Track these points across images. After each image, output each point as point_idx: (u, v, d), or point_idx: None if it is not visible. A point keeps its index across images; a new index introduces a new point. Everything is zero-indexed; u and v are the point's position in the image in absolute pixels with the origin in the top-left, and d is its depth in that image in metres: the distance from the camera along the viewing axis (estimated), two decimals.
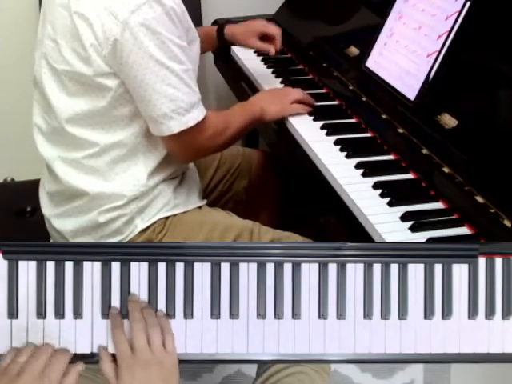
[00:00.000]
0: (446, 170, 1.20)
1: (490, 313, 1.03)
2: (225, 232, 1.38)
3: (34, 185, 1.49)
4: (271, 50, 1.69)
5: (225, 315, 1.01)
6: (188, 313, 1.01)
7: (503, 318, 1.03)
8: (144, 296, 1.01)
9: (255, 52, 1.94)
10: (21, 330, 0.99)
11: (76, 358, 0.98)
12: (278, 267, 1.02)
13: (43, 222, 1.45)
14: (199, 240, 1.35)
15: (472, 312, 1.03)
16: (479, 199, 1.11)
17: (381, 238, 1.09)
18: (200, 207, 1.43)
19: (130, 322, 0.97)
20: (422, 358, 1.03)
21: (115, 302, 1.00)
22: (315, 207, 1.41)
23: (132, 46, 1.18)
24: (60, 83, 1.27)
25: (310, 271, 1.02)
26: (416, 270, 1.03)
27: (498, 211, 1.07)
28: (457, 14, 1.27)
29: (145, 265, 1.01)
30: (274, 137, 1.62)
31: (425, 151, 1.25)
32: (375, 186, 1.23)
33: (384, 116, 1.41)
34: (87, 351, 0.99)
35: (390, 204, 1.17)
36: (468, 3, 1.25)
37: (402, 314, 1.02)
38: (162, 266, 1.01)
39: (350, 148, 1.35)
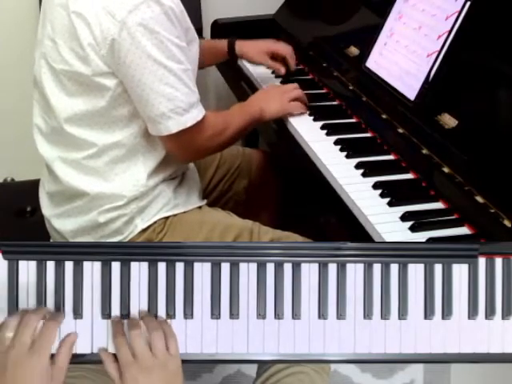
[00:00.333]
0: (446, 169, 1.20)
1: (490, 313, 1.03)
2: (225, 232, 1.38)
3: (34, 185, 1.49)
4: (281, 69, 1.71)
5: (225, 315, 1.01)
6: (188, 313, 1.01)
7: (503, 318, 1.03)
8: (144, 296, 1.01)
9: None
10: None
11: (76, 357, 0.98)
12: (278, 267, 1.02)
13: (43, 222, 1.45)
14: (199, 240, 1.35)
15: (472, 312, 1.03)
16: (479, 199, 1.11)
17: (381, 238, 1.09)
18: (200, 207, 1.43)
19: (128, 329, 0.96)
20: (422, 357, 1.03)
21: (115, 301, 1.00)
22: (315, 207, 1.41)
23: (130, 46, 1.17)
24: (59, 83, 1.27)
25: (310, 271, 1.02)
26: (416, 270, 1.03)
27: (498, 211, 1.07)
28: (457, 14, 1.27)
29: (145, 265, 1.01)
30: (273, 137, 1.62)
31: (425, 151, 1.25)
32: (375, 186, 1.23)
33: (384, 116, 1.41)
34: (87, 351, 0.99)
35: (390, 204, 1.18)
36: (468, 3, 1.25)
37: (402, 313, 1.02)
38: (162, 266, 1.01)
39: (349, 148, 1.35)
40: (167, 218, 1.36)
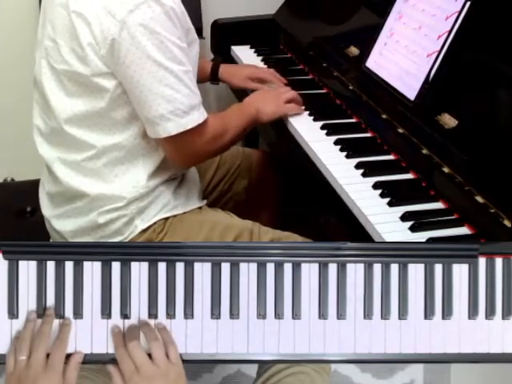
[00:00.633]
0: (446, 169, 1.20)
1: (490, 313, 1.03)
2: (225, 232, 1.38)
3: (34, 185, 1.49)
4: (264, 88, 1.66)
5: (225, 315, 1.01)
6: (188, 313, 1.01)
7: (503, 318, 1.03)
8: (144, 296, 1.01)
9: (255, 52, 1.94)
10: (21, 330, 0.99)
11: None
12: (278, 267, 1.02)
13: (43, 222, 1.45)
14: (199, 240, 1.35)
15: (472, 312, 1.03)
16: (479, 199, 1.11)
17: (381, 238, 1.09)
18: (200, 208, 1.43)
19: (126, 343, 0.97)
20: (422, 357, 1.03)
21: (115, 301, 1.01)
22: (315, 207, 1.41)
23: (129, 46, 1.17)
24: (59, 83, 1.27)
25: (310, 271, 1.02)
26: (416, 270, 1.03)
27: (498, 211, 1.07)
28: (457, 14, 1.27)
29: (145, 265, 1.01)
30: (274, 137, 1.62)
31: (425, 151, 1.25)
32: (375, 186, 1.23)
33: (384, 116, 1.41)
34: (87, 351, 0.99)
35: (390, 204, 1.18)
36: (468, 3, 1.25)
37: (402, 313, 1.02)
38: (162, 266, 1.01)
39: (349, 148, 1.35)
40: (167, 218, 1.36)
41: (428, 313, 1.02)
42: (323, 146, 1.38)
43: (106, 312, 1.00)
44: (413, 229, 1.11)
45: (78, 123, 1.27)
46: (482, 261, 1.04)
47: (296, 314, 1.01)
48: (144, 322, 1.00)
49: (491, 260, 1.04)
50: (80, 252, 1.01)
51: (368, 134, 1.44)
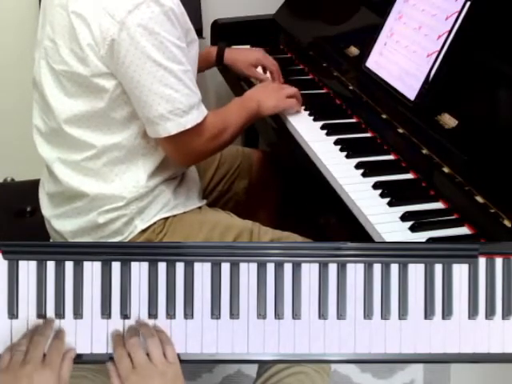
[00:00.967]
0: (446, 170, 1.20)
1: (490, 313, 1.03)
2: (225, 232, 1.38)
3: (34, 185, 1.49)
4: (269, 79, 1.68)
5: (225, 315, 1.01)
6: (188, 313, 1.01)
7: (503, 318, 1.03)
8: (144, 296, 1.01)
9: None
10: (21, 329, 0.99)
11: (76, 357, 0.99)
12: (278, 267, 1.02)
13: (43, 222, 1.45)
14: (199, 240, 1.35)
15: (472, 312, 1.03)
16: (479, 199, 1.11)
17: (381, 238, 1.09)
18: (200, 207, 1.43)
19: (125, 341, 0.97)
20: (422, 357, 1.03)
21: (115, 301, 1.01)
22: (315, 207, 1.41)
23: (129, 46, 1.17)
24: (59, 84, 1.27)
25: (310, 271, 1.02)
26: (416, 270, 1.03)
27: (498, 211, 1.07)
28: (457, 14, 1.27)
29: (145, 265, 1.01)
30: (274, 137, 1.62)
31: (425, 151, 1.25)
32: (375, 186, 1.23)
33: (384, 116, 1.41)
34: (87, 351, 0.99)
35: (390, 204, 1.18)
36: (468, 3, 1.25)
37: (402, 314, 1.02)
38: (162, 266, 1.01)
39: (350, 148, 1.35)
40: (167, 218, 1.36)
41: (428, 313, 1.02)
42: (323, 145, 1.38)
43: (106, 312, 1.00)
44: (413, 229, 1.11)
45: (77, 123, 1.27)
46: (481, 261, 1.04)
47: (296, 314, 1.01)
48: (141, 321, 1.00)
49: (491, 260, 1.04)
50: (80, 252, 1.01)
51: (368, 134, 1.44)
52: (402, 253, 1.03)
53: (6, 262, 1.00)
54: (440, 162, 1.21)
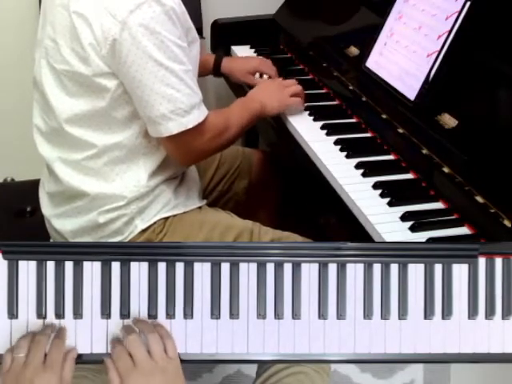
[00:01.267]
0: (446, 170, 1.20)
1: (490, 313, 1.03)
2: (225, 232, 1.38)
3: (34, 185, 1.49)
4: None
5: (225, 315, 1.01)
6: (188, 313, 1.01)
7: (503, 318, 1.03)
8: (144, 296, 1.01)
9: (255, 52, 1.94)
10: (21, 329, 0.99)
11: (76, 358, 0.98)
12: (278, 267, 1.02)
13: (43, 222, 1.45)
14: (199, 240, 1.35)
15: (472, 312, 1.03)
16: (479, 199, 1.11)
17: (381, 238, 1.10)
18: (200, 207, 1.43)
19: (124, 337, 0.96)
20: (422, 357, 1.03)
21: (115, 301, 1.00)
22: (315, 207, 1.41)
23: (130, 46, 1.17)
24: (60, 83, 1.27)
25: (310, 271, 1.02)
26: (416, 270, 1.03)
27: (498, 211, 1.07)
28: (457, 14, 1.27)
29: (145, 265, 1.01)
30: (273, 137, 1.62)
31: (425, 151, 1.25)
32: (375, 186, 1.23)
33: (384, 116, 1.41)
34: (87, 351, 0.99)
35: (390, 204, 1.18)
36: (468, 3, 1.25)
37: (402, 314, 1.02)
38: (162, 266, 1.01)
39: (350, 148, 1.35)
40: (167, 218, 1.36)
41: (428, 313, 1.02)
42: (323, 145, 1.38)
43: (106, 312, 1.00)
44: (413, 229, 1.11)
45: (78, 123, 1.27)
46: (481, 261, 1.04)
47: (296, 314, 1.01)
48: (139, 318, 1.00)
49: (491, 260, 1.04)
50: (80, 252, 1.01)
51: (368, 134, 1.44)
52: (402, 253, 1.03)
53: (5, 262, 1.00)
54: (440, 161, 1.21)
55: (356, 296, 1.02)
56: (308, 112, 1.53)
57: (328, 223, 1.32)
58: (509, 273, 1.04)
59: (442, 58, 1.28)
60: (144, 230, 1.34)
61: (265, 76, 1.69)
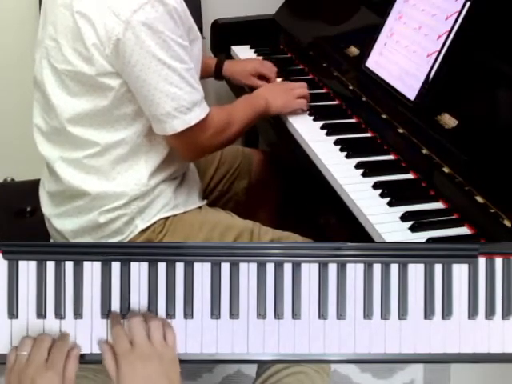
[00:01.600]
0: (446, 169, 1.20)
1: (490, 313, 1.03)
2: (225, 232, 1.38)
3: (34, 185, 1.49)
4: None
5: (225, 315, 1.01)
6: (188, 313, 1.01)
7: (503, 318, 1.03)
8: (144, 296, 1.01)
9: (255, 52, 1.94)
10: (21, 330, 0.99)
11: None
12: (278, 267, 1.02)
13: (43, 221, 1.45)
14: (199, 240, 1.35)
15: (472, 312, 1.03)
16: (479, 199, 1.11)
17: (381, 238, 1.09)
18: (200, 207, 1.43)
19: (128, 319, 0.97)
20: (422, 357, 1.03)
21: (115, 301, 1.00)
22: (315, 207, 1.41)
23: (134, 46, 1.18)
24: (61, 83, 1.27)
25: (310, 271, 1.02)
26: (416, 270, 1.03)
27: (498, 211, 1.07)
28: (457, 14, 1.27)
29: (145, 265, 1.01)
30: (273, 137, 1.62)
31: (425, 151, 1.25)
32: (375, 186, 1.23)
33: (384, 116, 1.41)
34: (87, 351, 0.99)
35: (390, 204, 1.18)
36: (468, 3, 1.25)
37: (402, 314, 1.02)
38: (162, 266, 1.01)
39: (350, 148, 1.35)
40: (167, 218, 1.36)
41: (428, 313, 1.02)
42: (323, 145, 1.38)
43: (106, 312, 1.00)
44: (413, 229, 1.11)
45: (80, 122, 1.28)
46: (481, 261, 1.04)
47: (296, 314, 1.01)
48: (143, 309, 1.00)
49: (491, 260, 1.04)
50: (80, 252, 1.01)
51: (368, 134, 1.44)
52: (402, 253, 1.03)
53: (5, 262, 1.00)
54: (440, 161, 1.21)
55: (356, 296, 1.02)
56: (308, 112, 1.53)
57: (328, 223, 1.32)
58: (509, 273, 1.04)
59: (441, 58, 1.28)
60: (144, 230, 1.34)
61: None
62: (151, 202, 1.34)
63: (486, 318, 1.03)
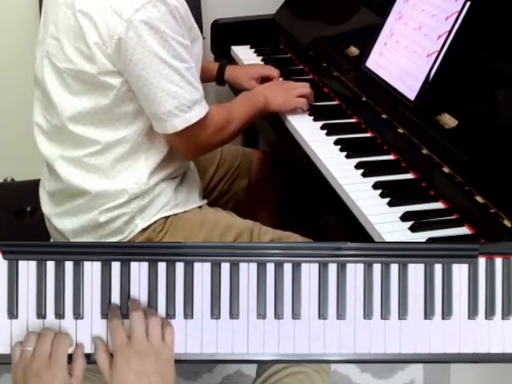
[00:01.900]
0: (446, 170, 1.20)
1: (490, 313, 1.03)
2: (225, 232, 1.38)
3: (34, 185, 1.49)
4: None
5: (225, 315, 1.01)
6: (188, 313, 1.01)
7: (503, 318, 1.03)
8: (144, 296, 1.01)
9: (255, 52, 1.94)
10: (21, 330, 0.99)
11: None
12: (278, 267, 1.02)
13: (43, 221, 1.45)
14: (199, 240, 1.35)
15: (472, 312, 1.03)
16: (479, 199, 1.11)
17: (381, 238, 1.09)
18: (200, 207, 1.43)
19: (129, 311, 0.97)
20: (422, 357, 1.03)
21: (115, 302, 1.00)
22: (315, 207, 1.41)
23: (136, 45, 1.18)
24: (62, 82, 1.28)
25: (310, 271, 1.02)
26: (416, 270, 1.03)
27: (498, 211, 1.07)
28: (457, 14, 1.27)
29: (145, 265, 1.01)
30: (273, 137, 1.62)
31: (425, 151, 1.25)
32: (375, 186, 1.23)
33: (384, 116, 1.41)
34: (87, 351, 0.99)
35: (390, 204, 1.18)
36: (468, 3, 1.25)
37: (402, 314, 1.02)
38: (162, 266, 1.01)
39: (350, 148, 1.35)
40: (167, 217, 1.36)
41: (428, 313, 1.02)
42: (323, 145, 1.38)
43: (106, 312, 1.00)
44: (413, 229, 1.11)
45: (81, 120, 1.28)
46: (481, 261, 1.04)
47: (296, 314, 1.01)
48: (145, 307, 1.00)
49: (491, 260, 1.04)
50: (80, 252, 1.01)
51: (368, 134, 1.44)
52: (402, 253, 1.03)
53: (5, 262, 1.00)
54: (440, 161, 1.21)
55: (356, 296, 1.02)
56: (308, 112, 1.53)
57: (328, 223, 1.32)
58: (509, 273, 1.04)
59: (441, 58, 1.28)
60: (144, 229, 1.34)
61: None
62: (151, 201, 1.34)
63: (486, 318, 1.03)
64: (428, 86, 1.30)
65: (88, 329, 1.00)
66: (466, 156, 1.16)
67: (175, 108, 1.23)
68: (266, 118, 1.54)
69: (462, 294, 1.03)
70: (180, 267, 1.01)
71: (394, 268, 1.03)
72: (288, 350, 1.02)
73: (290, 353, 1.02)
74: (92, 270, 1.01)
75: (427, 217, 1.14)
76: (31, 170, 1.58)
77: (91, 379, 1.10)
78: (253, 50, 1.96)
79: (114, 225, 1.33)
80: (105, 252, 1.01)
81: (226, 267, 1.02)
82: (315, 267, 1.02)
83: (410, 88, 1.33)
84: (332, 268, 1.02)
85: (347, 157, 1.33)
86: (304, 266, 1.02)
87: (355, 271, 1.02)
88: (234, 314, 1.01)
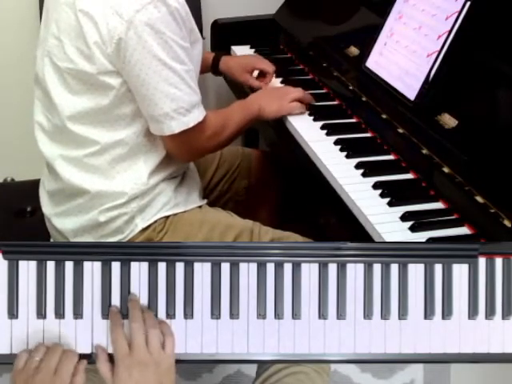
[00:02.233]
0: (446, 169, 1.20)
1: (490, 313, 1.03)
2: (225, 232, 1.38)
3: (34, 185, 1.49)
4: (263, 87, 1.66)
5: (225, 315, 1.01)
6: (188, 313, 1.01)
7: (503, 318, 1.03)
8: (144, 296, 1.01)
9: (255, 52, 1.94)
10: (21, 330, 0.99)
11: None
12: (278, 267, 1.02)
13: (43, 221, 1.45)
14: (199, 239, 1.35)
15: (472, 312, 1.03)
16: (479, 199, 1.11)
17: (381, 238, 1.09)
18: (200, 207, 1.43)
19: (129, 320, 0.97)
20: (422, 357, 1.03)
21: (115, 302, 1.01)
22: (315, 207, 1.41)
23: (136, 45, 1.18)
24: (63, 81, 1.28)
25: (310, 271, 1.02)
26: (416, 270, 1.03)
27: (498, 211, 1.07)
28: (457, 14, 1.27)
29: (145, 265, 1.01)
30: (274, 137, 1.62)
31: (425, 151, 1.25)
32: (375, 186, 1.23)
33: (384, 116, 1.41)
34: (87, 351, 0.99)
35: (390, 204, 1.18)
36: (468, 3, 1.25)
37: (402, 314, 1.02)
38: (162, 266, 1.01)
39: (350, 148, 1.35)
40: (167, 217, 1.36)
41: (428, 313, 1.02)
42: (323, 145, 1.38)
43: (106, 312, 1.00)
44: (413, 229, 1.11)
45: (81, 120, 1.28)
46: (481, 261, 1.04)
47: (296, 314, 1.01)
48: (146, 308, 1.00)
49: (491, 260, 1.04)
50: (80, 252, 1.01)
51: (368, 134, 1.44)
52: (402, 253, 1.03)
53: (5, 262, 1.00)
54: (440, 161, 1.21)
55: (356, 296, 1.02)
56: (308, 112, 1.53)
57: (328, 223, 1.32)
58: (509, 273, 1.04)
59: (441, 58, 1.28)
60: (144, 229, 1.34)
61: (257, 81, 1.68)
62: (151, 200, 1.34)
63: (486, 317, 1.03)
64: (428, 85, 1.30)
65: (88, 329, 1.00)
66: (466, 156, 1.16)
67: (173, 110, 1.23)
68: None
69: (462, 294, 1.03)
70: (180, 267, 1.02)
71: (394, 268, 1.03)
72: (288, 350, 1.02)
73: (290, 353, 1.02)
74: (92, 269, 1.01)
75: (427, 217, 1.14)
76: (31, 170, 1.58)
77: (91, 379, 1.10)
78: (253, 50, 1.96)
79: (114, 224, 1.33)
80: (105, 252, 1.01)
81: (226, 267, 1.02)
82: (315, 267, 1.02)
83: (409, 88, 1.33)
84: (332, 268, 1.02)
85: (347, 157, 1.33)
86: (304, 266, 1.02)
87: (355, 271, 1.02)
88: (234, 314, 1.01)
